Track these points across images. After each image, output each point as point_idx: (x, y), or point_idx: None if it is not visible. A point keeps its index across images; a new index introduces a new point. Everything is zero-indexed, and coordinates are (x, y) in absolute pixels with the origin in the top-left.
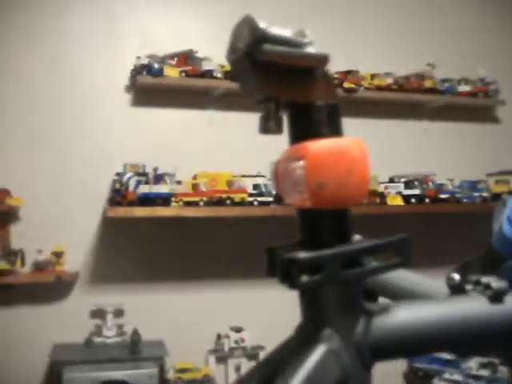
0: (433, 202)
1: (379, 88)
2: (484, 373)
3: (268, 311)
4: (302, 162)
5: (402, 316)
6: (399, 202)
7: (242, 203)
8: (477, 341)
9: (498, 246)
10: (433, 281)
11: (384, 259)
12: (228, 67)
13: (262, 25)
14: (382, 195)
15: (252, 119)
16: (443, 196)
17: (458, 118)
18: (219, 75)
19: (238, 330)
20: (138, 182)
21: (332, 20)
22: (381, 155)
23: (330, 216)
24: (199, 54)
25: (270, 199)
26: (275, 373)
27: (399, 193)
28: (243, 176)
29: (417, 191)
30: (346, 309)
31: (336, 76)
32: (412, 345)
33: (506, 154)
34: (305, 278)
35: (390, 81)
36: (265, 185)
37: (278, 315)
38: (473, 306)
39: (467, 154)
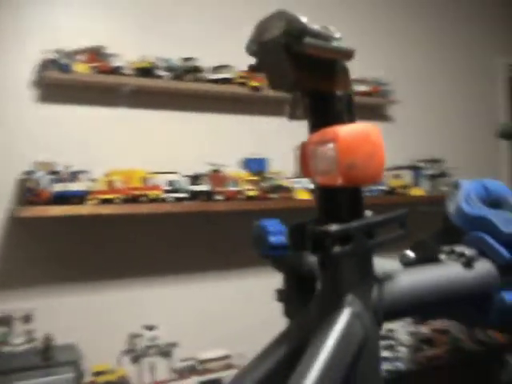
0: None
1: None
2: (386, 354)
3: (179, 308)
4: (331, 145)
5: (405, 281)
6: (306, 195)
7: (157, 200)
8: (455, 301)
9: (459, 222)
10: (386, 260)
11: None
12: (139, 64)
13: (304, 19)
14: (290, 190)
15: (162, 116)
16: None
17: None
18: (129, 72)
19: (151, 328)
20: (52, 181)
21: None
22: (284, 151)
23: (350, 193)
24: (108, 51)
25: (185, 195)
26: (305, 338)
27: (306, 187)
28: (157, 173)
29: None
30: (363, 276)
31: (242, 75)
32: (414, 306)
33: (399, 150)
34: (337, 248)
35: None
36: (179, 181)
37: (190, 311)
38: (452, 272)
39: None
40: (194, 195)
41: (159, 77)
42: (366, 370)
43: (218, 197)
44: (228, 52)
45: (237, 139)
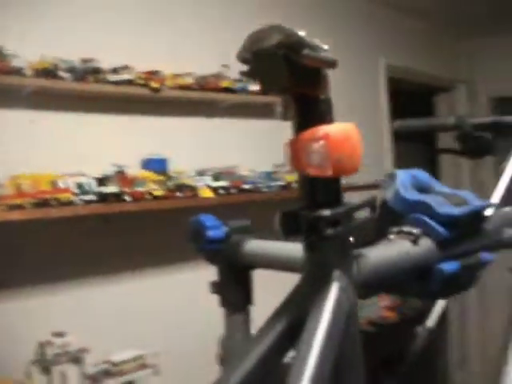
0: (238, 192)
1: (181, 87)
2: None
3: (90, 311)
4: (322, 142)
5: (373, 258)
6: (209, 193)
7: (67, 203)
8: (406, 275)
9: (398, 206)
10: (291, 244)
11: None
12: (39, 64)
13: (301, 33)
14: (194, 188)
15: (65, 118)
16: (246, 186)
17: (249, 114)
18: (29, 73)
19: (61, 334)
20: None
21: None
22: (186, 151)
23: (333, 182)
24: (7, 51)
25: (94, 197)
26: (297, 317)
27: (208, 185)
28: (65, 176)
29: (224, 183)
30: (346, 254)
31: (142, 76)
32: (381, 281)
33: None
34: (330, 230)
35: (190, 80)
36: (88, 183)
37: (101, 314)
38: (404, 248)
39: (259, 146)
40: (103, 197)
41: (60, 78)
42: (352, 337)
43: (127, 198)
44: (127, 53)
45: (139, 140)
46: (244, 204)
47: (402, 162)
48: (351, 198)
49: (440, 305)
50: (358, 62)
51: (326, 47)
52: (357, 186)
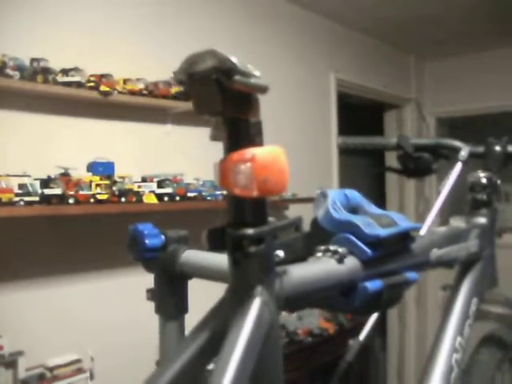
0: (182, 199)
1: (131, 92)
2: None
3: (26, 314)
4: (249, 164)
5: (297, 275)
6: (153, 200)
7: (9, 203)
8: (330, 291)
9: (327, 225)
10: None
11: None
12: None
13: (234, 59)
14: (138, 194)
15: (11, 117)
16: (191, 194)
17: (198, 123)
18: None
19: None
20: None
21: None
22: (133, 156)
23: (260, 202)
24: None
25: (37, 199)
26: (222, 326)
27: (152, 191)
28: (8, 176)
29: (169, 190)
30: (269, 270)
31: (92, 79)
32: (304, 296)
33: None
34: (253, 248)
35: (141, 86)
36: (31, 184)
37: (38, 317)
38: (329, 266)
39: (207, 155)
40: (47, 199)
41: (8, 76)
42: (273, 349)
43: (71, 200)
44: (78, 54)
45: (86, 142)
46: (188, 212)
47: (351, 175)
48: (297, 210)
49: (372, 319)
50: (309, 75)
51: (257, 73)
52: (304, 198)
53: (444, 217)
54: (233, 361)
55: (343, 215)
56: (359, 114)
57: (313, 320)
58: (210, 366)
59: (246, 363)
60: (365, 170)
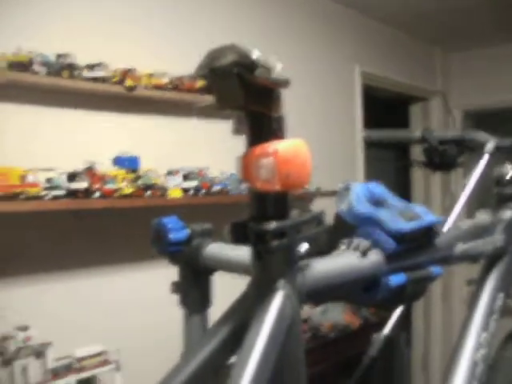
0: (207, 193)
1: (156, 87)
2: None
3: (55, 306)
4: (272, 158)
5: (321, 269)
6: (179, 194)
7: (36, 197)
8: (353, 285)
9: (351, 219)
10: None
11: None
12: (14, 57)
13: (256, 53)
14: (163, 188)
15: (37, 112)
16: (216, 188)
17: (223, 116)
18: (2, 65)
19: (24, 328)
20: None
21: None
22: (158, 150)
23: (281, 196)
24: None
25: (63, 193)
26: (244, 319)
27: (177, 185)
28: (35, 170)
29: (194, 183)
30: (291, 264)
31: (117, 74)
32: (327, 290)
33: None
34: (275, 242)
35: (166, 80)
36: (57, 178)
37: (65, 309)
38: (353, 260)
39: (232, 148)
40: (73, 193)
41: (35, 72)
42: (295, 342)
43: (96, 194)
44: (103, 49)
45: (111, 137)
46: (212, 205)
47: (377, 169)
48: (322, 203)
49: (397, 313)
50: (333, 68)
51: (279, 67)
52: (328, 192)
53: (470, 211)
54: (255, 354)
55: (366, 209)
56: (384, 108)
57: (337, 314)
58: (232, 359)
59: (268, 356)
60: (390, 163)
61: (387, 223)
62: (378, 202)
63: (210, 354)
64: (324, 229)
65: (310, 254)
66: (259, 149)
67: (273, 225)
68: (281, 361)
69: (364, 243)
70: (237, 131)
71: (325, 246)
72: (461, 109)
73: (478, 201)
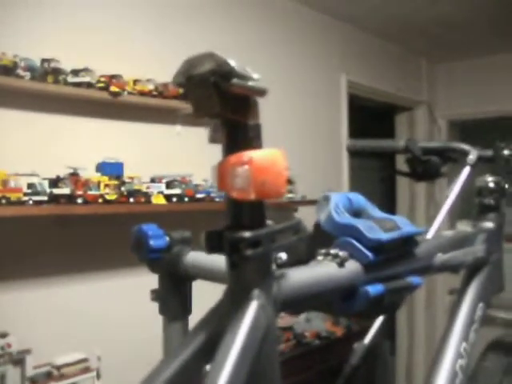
0: (191, 200)
1: (141, 93)
2: None
3: (35, 312)
4: (247, 167)
5: (296, 278)
6: (162, 200)
7: (18, 202)
8: (330, 295)
9: (330, 229)
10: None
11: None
12: None
13: (232, 62)
14: (147, 194)
15: (21, 117)
16: (200, 195)
17: (207, 124)
18: None
19: (3, 335)
20: None
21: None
22: (142, 157)
23: (258, 206)
24: None
25: (45, 198)
26: (219, 328)
27: (161, 192)
28: (17, 175)
29: (177, 191)
30: (266, 273)
31: (102, 80)
32: (302, 299)
33: None
34: (250, 251)
35: (151, 87)
36: (40, 184)
37: (46, 316)
38: (330, 270)
39: (216, 156)
40: (55, 198)
41: (19, 76)
42: (269, 353)
43: (79, 200)
44: (88, 55)
45: (95, 143)
46: (197, 213)
47: (361, 177)
48: (307, 212)
49: (378, 322)
50: (320, 77)
51: (256, 76)
52: (313, 200)
53: (452, 221)
54: (227, 364)
55: (345, 219)
56: (370, 117)
57: (321, 323)
58: (207, 368)
59: (240, 366)
60: (375, 172)
61: (365, 233)
62: (357, 212)
63: (185, 360)
64: (301, 238)
65: (288, 263)
66: (234, 157)
67: (247, 233)
68: (255, 370)
69: (341, 253)
70: (213, 140)
71: (303, 255)
72: (446, 118)
73: (459, 211)
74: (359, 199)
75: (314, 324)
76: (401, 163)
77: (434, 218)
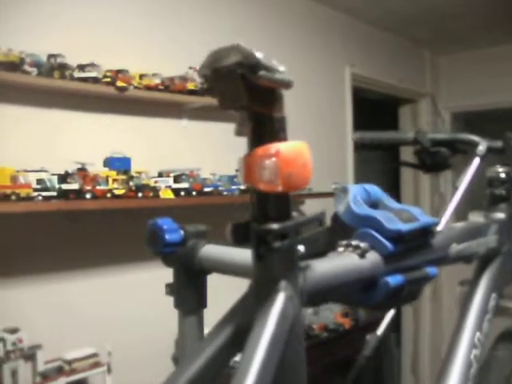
0: (199, 194)
1: (147, 88)
2: None
3: (45, 307)
4: (274, 159)
5: (320, 271)
6: (170, 195)
7: (27, 198)
8: (351, 286)
9: (348, 220)
10: (246, 251)
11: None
12: (5, 57)
13: (259, 54)
14: (155, 189)
15: (28, 113)
16: (208, 189)
17: (213, 118)
18: None
19: (14, 330)
20: None
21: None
22: (149, 151)
23: (283, 197)
24: None
25: (54, 194)
26: (245, 321)
27: (169, 187)
28: (26, 171)
29: (185, 185)
30: (292, 266)
31: (108, 74)
32: (326, 290)
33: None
34: (277, 243)
35: (157, 81)
36: (49, 179)
37: (56, 311)
38: (351, 261)
39: (223, 150)
40: (64, 194)
41: (26, 72)
42: (295, 345)
43: (88, 195)
44: (94, 50)
45: (103, 138)
46: (204, 207)
47: (367, 170)
48: (312, 204)
49: (390, 314)
50: (324, 70)
51: (282, 69)
52: (319, 193)
53: (461, 212)
54: (258, 355)
55: (364, 210)
56: (373, 109)
57: (328, 315)
58: (234, 361)
59: (271, 358)
60: (379, 164)
61: (385, 224)
62: (374, 204)
63: (211, 356)
64: (324, 230)
65: (308, 255)
66: (262, 150)
67: (275, 226)
68: (283, 362)
69: (362, 244)
70: (239, 133)
71: (322, 247)
72: (449, 110)
73: (471, 202)
74: (376, 190)
75: (321, 316)
76: (405, 155)
77: (439, 209)
